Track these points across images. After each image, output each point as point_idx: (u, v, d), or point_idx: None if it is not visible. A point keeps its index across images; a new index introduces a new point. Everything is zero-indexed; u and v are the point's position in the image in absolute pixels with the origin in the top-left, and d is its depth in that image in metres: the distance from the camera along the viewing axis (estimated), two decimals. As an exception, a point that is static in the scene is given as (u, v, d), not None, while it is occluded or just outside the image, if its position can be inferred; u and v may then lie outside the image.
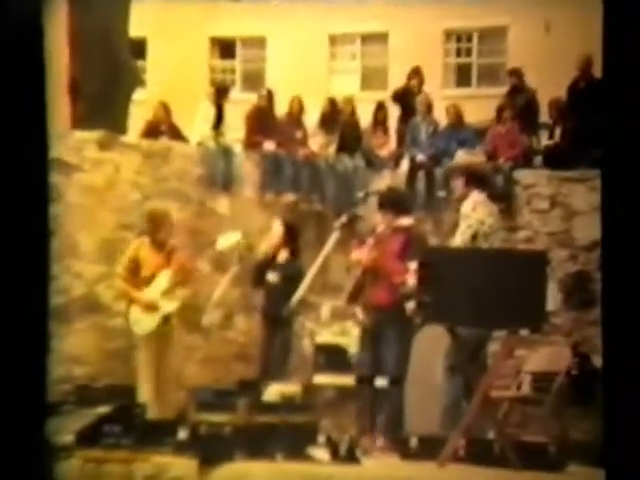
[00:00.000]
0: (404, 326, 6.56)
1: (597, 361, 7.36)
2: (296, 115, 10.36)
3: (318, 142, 10.37)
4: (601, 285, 4.85)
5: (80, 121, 9.49)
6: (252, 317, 8.85)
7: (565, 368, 7.62)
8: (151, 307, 7.26)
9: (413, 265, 6.11)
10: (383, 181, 9.84)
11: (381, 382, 6.34)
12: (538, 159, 10.20)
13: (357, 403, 6.77)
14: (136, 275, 7.33)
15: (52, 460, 5.35)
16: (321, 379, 6.79)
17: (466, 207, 6.60)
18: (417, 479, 5.50)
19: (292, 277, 7.53)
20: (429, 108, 10.54)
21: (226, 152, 9.84)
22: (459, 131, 10.27)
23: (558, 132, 10.08)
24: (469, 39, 15.34)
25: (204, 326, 8.17)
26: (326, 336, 8.46)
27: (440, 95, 12.57)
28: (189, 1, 14.83)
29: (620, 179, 4.66)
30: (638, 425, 4.53)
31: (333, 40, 15.79)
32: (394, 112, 11.07)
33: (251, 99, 10.84)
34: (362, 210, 8.13)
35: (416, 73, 11.16)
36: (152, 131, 10.05)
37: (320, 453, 5.87)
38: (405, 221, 6.86)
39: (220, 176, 9.72)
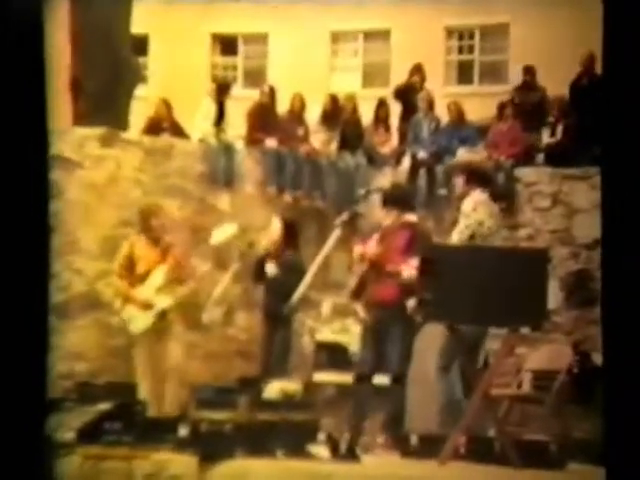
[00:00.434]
0: (407, 323, 6.55)
1: (598, 359, 7.35)
2: (297, 112, 10.34)
3: (319, 138, 10.35)
4: (601, 283, 4.84)
5: (82, 118, 9.50)
6: (253, 314, 8.84)
7: (566, 366, 7.61)
8: (146, 305, 7.26)
9: (416, 262, 6.10)
10: (384, 178, 9.83)
11: (380, 380, 6.33)
12: (540, 157, 10.18)
13: (354, 401, 6.75)
14: (131, 272, 7.34)
15: (52, 457, 5.35)
16: (321, 377, 6.79)
17: (466, 206, 6.55)
18: (417, 477, 5.48)
19: (292, 274, 7.53)
20: (431, 105, 10.52)
21: (227, 149, 9.84)
22: (461, 129, 10.26)
23: (560, 129, 10.07)
24: (471, 36, 15.32)
25: (204, 323, 8.17)
26: (327, 334, 8.46)
27: (442, 92, 12.55)
28: (191, -2, 14.84)
29: (620, 177, 4.65)
30: (638, 424, 4.53)
31: (335, 37, 15.77)
32: (396, 109, 11.05)
33: (252, 96, 10.85)
34: (363, 207, 8.12)
35: (418, 70, 11.15)
36: (153, 128, 10.05)
37: (320, 451, 5.87)
38: (411, 217, 6.86)
39: (221, 173, 9.72)
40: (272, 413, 5.98)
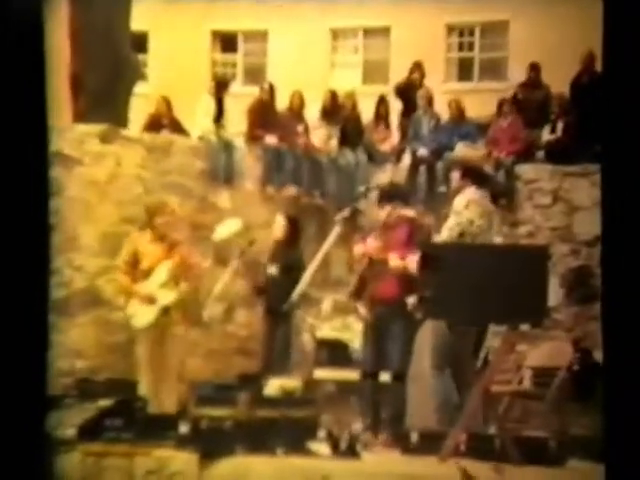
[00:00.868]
0: (408, 320, 6.54)
1: (598, 356, 7.34)
2: (297, 109, 10.34)
3: (319, 135, 10.35)
4: (601, 280, 4.84)
5: (82, 115, 9.50)
6: (253, 311, 8.85)
7: (566, 363, 7.60)
8: (149, 300, 7.25)
9: (416, 257, 6.10)
10: (385, 175, 9.83)
11: (386, 377, 6.34)
12: (540, 154, 10.18)
13: (360, 399, 6.75)
14: (135, 268, 7.33)
15: (53, 454, 5.35)
16: (322, 374, 6.80)
17: (458, 203, 6.47)
18: (418, 474, 5.48)
19: (293, 271, 7.53)
20: (431, 102, 10.52)
21: (227, 146, 9.84)
22: (461, 125, 10.24)
23: (560, 127, 10.06)
24: (471, 33, 15.30)
25: (205, 320, 8.17)
26: (327, 331, 8.46)
27: (442, 89, 12.56)
28: (190, -5, 14.84)
29: (620, 174, 4.65)
30: (638, 421, 4.53)
31: (335, 34, 15.75)
32: (396, 106, 11.05)
33: (252, 93, 10.84)
34: (363, 204, 8.11)
35: (418, 67, 11.14)
36: (154, 125, 10.05)
37: (321, 448, 5.87)
38: (408, 212, 6.85)
39: (221, 170, 9.72)
40: (272, 410, 5.98)
